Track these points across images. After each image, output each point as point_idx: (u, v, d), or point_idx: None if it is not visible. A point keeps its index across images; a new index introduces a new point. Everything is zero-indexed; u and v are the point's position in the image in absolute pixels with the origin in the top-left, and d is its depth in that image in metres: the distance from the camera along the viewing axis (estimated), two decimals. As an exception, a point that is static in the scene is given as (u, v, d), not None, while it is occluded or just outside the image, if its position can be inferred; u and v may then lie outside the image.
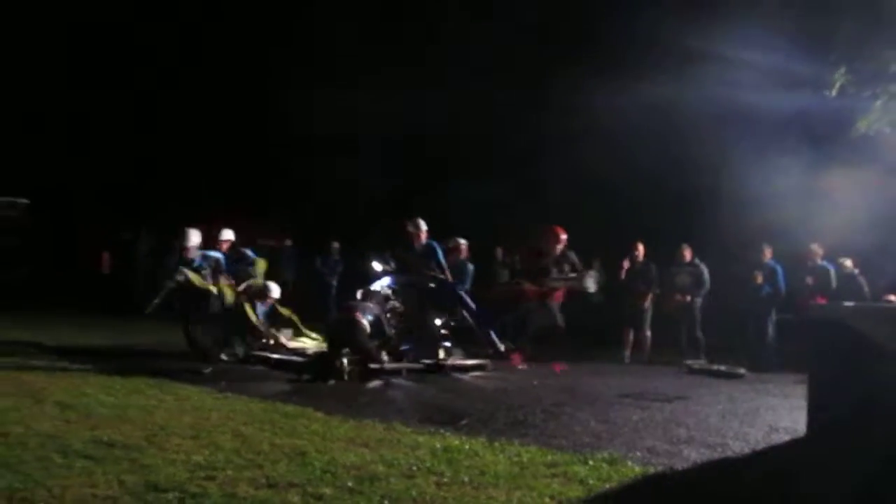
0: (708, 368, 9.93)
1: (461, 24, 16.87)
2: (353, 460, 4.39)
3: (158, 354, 9.34)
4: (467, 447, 4.83)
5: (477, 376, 8.79)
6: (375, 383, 7.91)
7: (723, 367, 9.77)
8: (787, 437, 5.70)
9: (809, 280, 10.66)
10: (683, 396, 7.56)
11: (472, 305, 9.62)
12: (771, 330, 10.83)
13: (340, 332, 8.38)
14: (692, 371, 9.90)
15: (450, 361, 9.08)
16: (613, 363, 10.64)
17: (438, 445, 4.84)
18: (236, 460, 4.30)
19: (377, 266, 8.43)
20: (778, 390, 7.95)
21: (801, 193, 10.44)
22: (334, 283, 15.14)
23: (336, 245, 15.55)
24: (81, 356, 8.77)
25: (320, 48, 18.37)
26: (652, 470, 4.51)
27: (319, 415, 5.82)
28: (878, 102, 7.75)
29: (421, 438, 5.04)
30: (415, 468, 4.26)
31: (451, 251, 10.18)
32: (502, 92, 16.26)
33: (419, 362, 8.85)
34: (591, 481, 4.12)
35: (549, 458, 4.62)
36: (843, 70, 7.77)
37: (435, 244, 9.69)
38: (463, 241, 10.67)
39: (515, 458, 4.57)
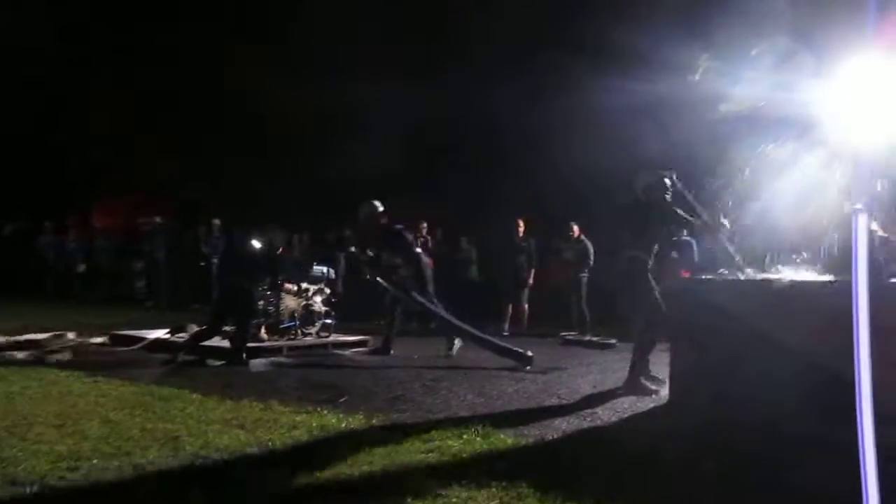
0: (581, 339, 10.36)
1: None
2: (228, 443, 4.34)
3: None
4: (344, 425, 4.88)
5: (358, 352, 8.84)
6: (255, 362, 7.82)
7: (595, 338, 10.21)
8: (652, 405, 6.03)
9: (674, 254, 11.26)
10: (558, 367, 7.88)
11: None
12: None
13: (230, 304, 8.17)
14: (567, 342, 10.30)
15: (331, 338, 9.08)
16: (492, 336, 10.86)
17: (315, 424, 4.86)
18: (104, 448, 4.16)
19: (256, 244, 8.26)
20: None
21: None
22: (214, 260, 14.70)
23: (217, 222, 15.07)
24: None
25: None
26: (523, 441, 4.67)
27: (195, 396, 5.70)
28: (738, 87, 8.14)
29: (298, 418, 5.03)
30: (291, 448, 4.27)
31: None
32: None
33: (299, 340, 8.81)
34: (464, 455, 4.24)
35: (425, 432, 4.70)
36: (706, 56, 8.12)
37: (399, 228, 9.10)
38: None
39: (392, 434, 4.64)
